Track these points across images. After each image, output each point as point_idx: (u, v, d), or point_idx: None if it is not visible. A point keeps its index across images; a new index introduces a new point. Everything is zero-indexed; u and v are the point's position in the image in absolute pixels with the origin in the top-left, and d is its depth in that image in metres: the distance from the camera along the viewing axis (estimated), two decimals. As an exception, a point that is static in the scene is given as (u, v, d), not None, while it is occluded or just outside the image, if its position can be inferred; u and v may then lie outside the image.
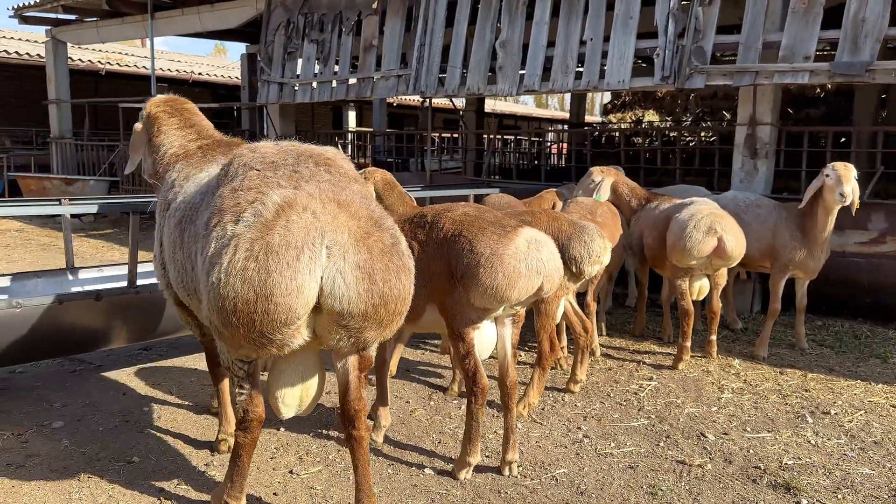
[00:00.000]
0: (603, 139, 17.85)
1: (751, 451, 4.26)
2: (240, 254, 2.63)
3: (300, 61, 11.13)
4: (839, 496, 3.72)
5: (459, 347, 3.71)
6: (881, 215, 6.73)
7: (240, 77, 20.34)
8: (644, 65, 7.71)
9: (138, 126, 4.24)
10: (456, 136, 18.52)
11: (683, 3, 7.53)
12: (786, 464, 4.08)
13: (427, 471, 3.92)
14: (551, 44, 8.47)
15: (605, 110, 21.24)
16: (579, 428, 4.58)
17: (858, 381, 5.51)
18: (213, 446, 4.12)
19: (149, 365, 5.58)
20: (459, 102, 27.82)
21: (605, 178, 6.25)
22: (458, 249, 3.61)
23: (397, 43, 9.99)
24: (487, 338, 3.82)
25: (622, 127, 19.26)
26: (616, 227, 6.11)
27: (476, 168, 13.91)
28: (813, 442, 4.40)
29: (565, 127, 20.94)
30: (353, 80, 10.46)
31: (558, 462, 4.07)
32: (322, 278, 2.68)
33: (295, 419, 3.49)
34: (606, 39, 8.03)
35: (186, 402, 4.84)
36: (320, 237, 2.67)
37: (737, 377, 5.60)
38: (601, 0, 8.06)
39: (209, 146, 3.91)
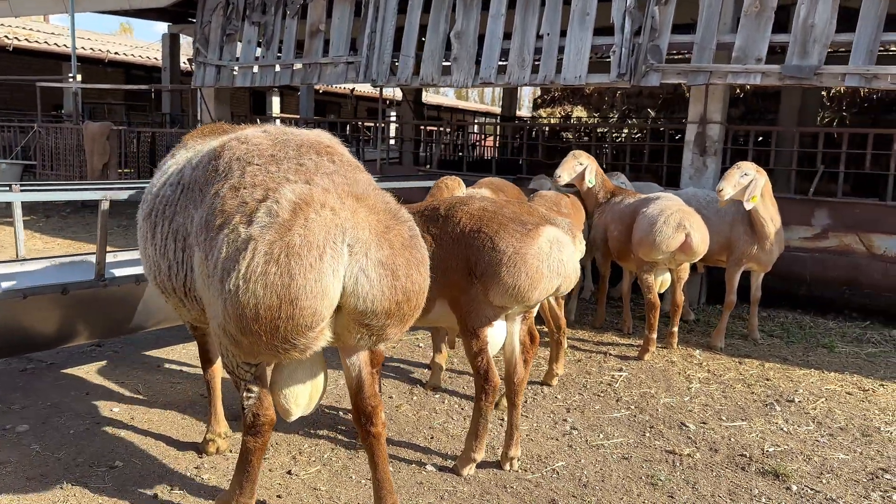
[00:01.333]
0: (534, 133, 18.09)
1: (731, 439, 4.41)
2: (258, 258, 2.45)
3: (240, 44, 10.72)
4: (823, 481, 3.89)
5: (472, 345, 3.65)
6: (824, 212, 7.10)
7: (159, 58, 19.53)
8: (606, 59, 7.84)
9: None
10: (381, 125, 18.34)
11: (640, 1, 7.67)
12: (767, 451, 4.24)
13: (429, 467, 3.86)
14: (508, 36, 8.48)
15: (535, 105, 21.54)
16: (565, 420, 4.62)
17: (812, 369, 5.80)
18: (199, 447, 3.92)
19: (107, 363, 5.25)
20: (388, 92, 27.57)
21: (591, 164, 6.35)
22: (478, 246, 3.54)
23: (346, 28, 9.77)
24: (498, 334, 3.78)
25: (589, 121, 19.60)
26: (580, 220, 6.20)
27: (415, 158, 13.85)
28: (785, 429, 4.60)
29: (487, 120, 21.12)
30: (298, 66, 10.16)
31: (554, 455, 4.09)
32: (344, 277, 2.56)
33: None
34: (563, 34, 8.10)
35: (158, 401, 4.59)
36: (341, 235, 2.53)
37: (700, 367, 5.78)
38: (557, -5, 8.12)
39: (189, 135, 3.71)
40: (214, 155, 2.96)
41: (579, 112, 20.30)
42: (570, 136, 18.22)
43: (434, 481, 3.71)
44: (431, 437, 4.26)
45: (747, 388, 5.33)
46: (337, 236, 2.51)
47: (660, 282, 5.98)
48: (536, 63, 8.26)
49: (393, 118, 22.90)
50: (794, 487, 3.80)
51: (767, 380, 5.54)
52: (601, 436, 4.40)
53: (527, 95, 27.73)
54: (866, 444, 4.38)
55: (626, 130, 18.31)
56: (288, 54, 10.25)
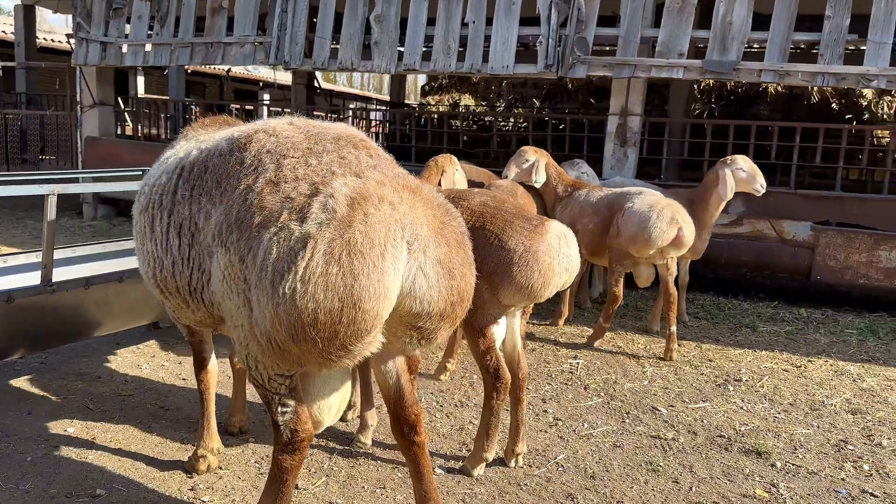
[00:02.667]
0: (422, 120, 18.06)
1: (703, 421, 4.60)
2: (318, 257, 2.24)
3: (131, 19, 9.86)
4: (799, 456, 4.15)
5: (480, 343, 3.56)
6: (739, 201, 7.56)
7: (14, 32, 17.60)
8: (533, 49, 7.86)
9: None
10: (250, 108, 17.63)
11: (566, -7, 7.78)
12: (740, 430, 4.47)
13: (437, 470, 3.73)
14: (432, 22, 8.34)
15: (423, 92, 21.48)
16: (545, 411, 4.64)
17: (744, 349, 6.17)
18: (185, 466, 3.57)
19: (36, 375, 4.67)
20: (267, 73, 26.45)
21: (540, 159, 6.30)
22: (484, 245, 3.44)
23: (253, 6, 9.22)
24: (499, 330, 3.70)
25: (499, 112, 19.63)
26: (533, 208, 6.21)
27: None
28: (745, 408, 4.86)
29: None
30: (199, 45, 9.49)
31: (551, 448, 4.09)
32: (403, 277, 2.39)
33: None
34: (490, 23, 8.08)
35: (115, 416, 4.14)
36: (401, 231, 2.35)
37: (646, 351, 6.00)
38: (481, -17, 8.08)
39: (192, 126, 3.40)
40: (237, 146, 2.68)
41: (467, 100, 20.46)
42: (459, 124, 18.37)
43: (448, 484, 3.59)
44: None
45: (696, 370, 5.59)
46: (397, 232, 2.34)
47: (646, 276, 5.99)
48: (462, 51, 8.19)
49: (266, 101, 22.13)
50: (778, 464, 4.02)
51: (710, 360, 5.83)
52: (585, 425, 4.45)
53: (411, 82, 27.55)
54: (818, 418, 4.72)
55: (512, 119, 18.69)
56: (187, 33, 9.55)
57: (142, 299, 4.47)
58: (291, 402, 2.69)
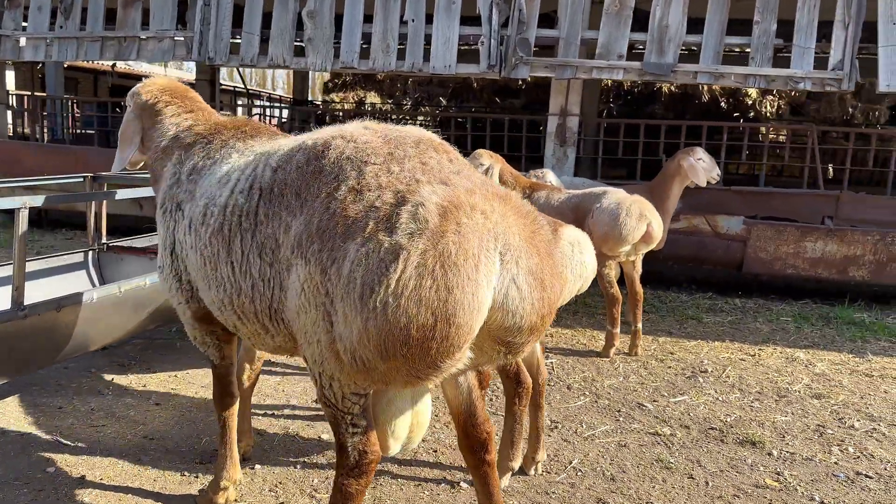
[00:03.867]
0: (327, 118, 17.69)
1: (689, 414, 4.74)
2: (410, 270, 2.10)
3: (29, 9, 9.01)
4: (788, 443, 4.35)
5: None
6: (677, 197, 7.87)
7: None
8: (475, 49, 7.81)
9: (128, 114, 3.51)
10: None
11: (506, -7, 7.81)
12: (727, 422, 4.63)
13: (463, 485, 3.62)
14: (369, 19, 8.14)
15: (326, 89, 21.00)
16: (540, 414, 4.62)
17: (698, 340, 6.43)
18: (200, 501, 3.27)
19: (-17, 409, 4.16)
20: (151, 68, 25.04)
21: (495, 164, 6.23)
22: None
23: None
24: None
25: (384, 107, 19.28)
26: None
27: None
28: (721, 399, 5.05)
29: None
30: (110, 40, 8.80)
31: (560, 452, 4.08)
32: (495, 289, 2.27)
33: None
34: (430, 21, 7.98)
35: (96, 450, 3.75)
36: (493, 241, 2.23)
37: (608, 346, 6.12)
38: (417, -20, 7.96)
39: (216, 131, 3.10)
40: (314, 155, 2.49)
41: (373, 98, 20.23)
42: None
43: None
44: (435, 451, 4.00)
45: (662, 364, 5.75)
46: (489, 243, 2.20)
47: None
48: (402, 49, 8.04)
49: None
50: (774, 452, 4.20)
51: (671, 353, 6.03)
52: (584, 426, 4.47)
53: (313, 78, 26.81)
54: (789, 405, 4.97)
55: (420, 118, 18.66)
56: (96, 25, 8.83)
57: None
58: (363, 423, 2.53)
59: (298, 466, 3.72)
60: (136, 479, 3.50)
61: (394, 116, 18.94)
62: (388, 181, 2.30)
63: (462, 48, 7.95)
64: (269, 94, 21.39)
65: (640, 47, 7.75)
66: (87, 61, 10.58)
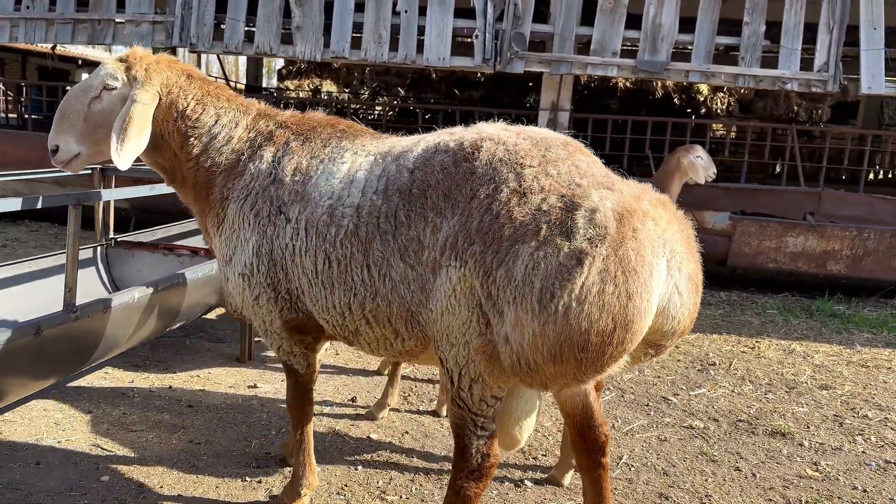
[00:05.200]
0: (281, 105, 17.33)
1: (713, 407, 4.87)
2: (594, 275, 2.13)
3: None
4: (813, 433, 4.52)
5: None
6: (666, 193, 8.05)
7: None
8: (468, 41, 7.76)
9: (144, 97, 2.92)
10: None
11: (501, -14, 7.79)
12: (751, 414, 4.78)
13: (527, 483, 3.64)
14: (360, 8, 7.99)
15: (281, 76, 20.52)
16: (574, 410, 4.67)
17: (698, 333, 6.61)
18: (273, 509, 3.18)
19: None
20: (87, 51, 23.95)
21: None
22: None
23: (149, -19, 8.30)
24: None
25: (340, 96, 18.91)
26: None
27: None
28: (736, 391, 5.21)
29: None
30: (83, 22, 8.37)
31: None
32: (660, 295, 2.32)
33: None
34: (423, 12, 7.89)
35: (145, 456, 3.58)
36: (662, 247, 2.28)
37: (615, 341, 6.23)
38: (410, -29, 7.86)
39: (309, 127, 2.98)
40: (463, 157, 2.48)
41: (329, 86, 19.89)
42: (322, 111, 17.82)
43: (550, 498, 3.51)
44: (486, 449, 4.00)
45: (671, 357, 5.89)
46: (659, 249, 2.25)
47: None
48: (394, 39, 7.94)
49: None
50: (805, 443, 4.36)
51: (677, 346, 6.17)
52: (619, 421, 4.54)
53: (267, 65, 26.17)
54: (800, 396, 5.17)
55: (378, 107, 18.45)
56: (67, 6, 8.38)
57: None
58: (491, 427, 2.56)
59: (359, 467, 3.65)
60: (198, 486, 3.37)
61: (351, 106, 18.69)
62: (550, 184, 2.31)
63: (456, 41, 7.90)
64: (225, 80, 20.74)
65: (633, 46, 7.85)
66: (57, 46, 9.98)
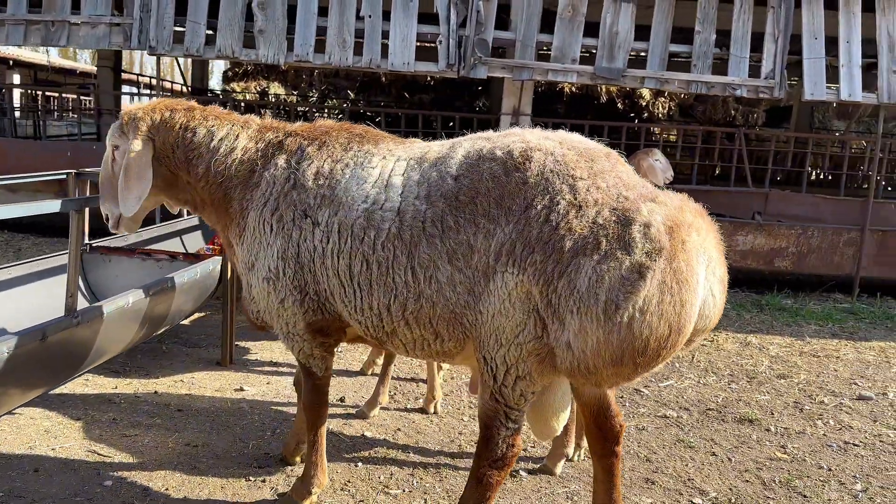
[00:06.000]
0: (228, 107, 17.12)
1: (683, 397, 5.13)
2: (654, 287, 2.31)
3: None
4: (777, 419, 4.82)
5: None
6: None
7: None
8: (432, 46, 7.84)
9: (135, 145, 3.12)
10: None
11: (463, -7, 7.95)
12: (719, 403, 5.05)
13: (521, 473, 3.79)
14: (324, 12, 8.02)
15: (226, 78, 20.20)
16: (554, 403, 4.85)
17: (658, 329, 6.89)
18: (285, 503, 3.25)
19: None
20: (17, 51, 23.11)
21: None
22: None
23: (106, -17, 8.15)
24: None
25: (289, 98, 18.68)
26: None
27: None
28: (702, 382, 5.49)
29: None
30: (36, 23, 8.15)
31: (591, 438, 4.32)
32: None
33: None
34: (386, 17, 7.99)
35: (144, 460, 3.58)
36: (704, 256, 2.47)
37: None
38: (373, -23, 7.95)
39: (322, 133, 3.10)
40: (513, 166, 2.59)
41: (277, 88, 19.71)
42: (269, 113, 17.67)
43: (545, 486, 3.67)
44: (474, 443, 4.12)
45: (637, 352, 6.14)
46: (701, 257, 2.44)
47: None
48: (358, 44, 8.00)
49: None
50: (771, 428, 4.65)
51: (641, 342, 6.44)
52: (598, 412, 4.73)
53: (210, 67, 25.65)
54: (761, 385, 5.48)
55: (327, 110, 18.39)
56: (19, 7, 8.15)
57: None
58: (521, 420, 2.73)
59: (359, 464, 3.74)
60: (203, 486, 3.40)
61: (300, 109, 18.59)
62: (602, 198, 2.47)
63: (420, 46, 8.02)
64: (150, 79, 20.32)
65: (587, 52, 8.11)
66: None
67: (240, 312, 5.00)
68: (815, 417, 4.87)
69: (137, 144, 3.11)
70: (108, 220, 3.35)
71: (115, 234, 4.98)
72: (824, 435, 4.59)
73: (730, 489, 3.78)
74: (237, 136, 3.18)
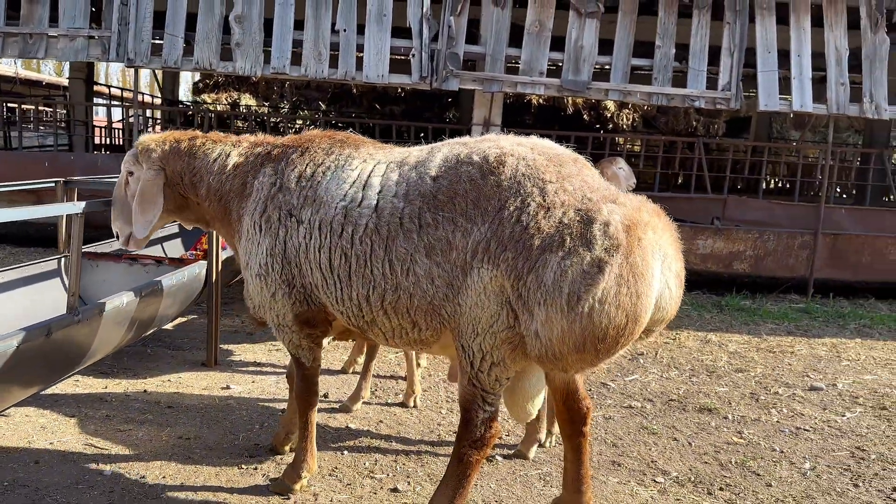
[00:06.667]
0: (198, 118, 17.22)
1: (647, 390, 5.44)
2: (611, 280, 2.55)
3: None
4: (735, 408, 5.15)
5: None
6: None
7: None
8: (405, 59, 8.13)
9: (148, 173, 3.59)
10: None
11: (435, 9, 8.25)
12: (681, 395, 5.37)
13: (497, 458, 4.04)
14: (300, 25, 8.26)
15: (197, 89, 20.26)
16: (526, 397, 5.12)
17: (625, 329, 7.22)
18: (276, 489, 3.45)
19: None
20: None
21: None
22: None
23: (83, -5, 8.29)
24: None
25: (259, 110, 18.78)
26: None
27: (87, 145, 12.22)
28: (665, 376, 5.81)
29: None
30: (13, 36, 8.26)
31: (561, 427, 4.60)
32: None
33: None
34: (361, 31, 8.26)
35: (141, 451, 3.77)
36: (659, 251, 2.72)
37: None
38: (349, -7, 8.22)
39: (304, 141, 3.40)
40: (489, 170, 2.84)
41: (248, 100, 19.83)
42: (241, 124, 17.78)
43: (520, 469, 3.93)
44: (453, 433, 4.38)
45: (604, 350, 6.46)
46: (657, 252, 2.69)
47: None
48: (333, 56, 8.25)
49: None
50: (729, 416, 4.97)
51: (608, 341, 6.75)
52: (568, 405, 5.02)
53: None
54: (720, 378, 5.82)
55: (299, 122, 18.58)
56: (-5, 19, 8.26)
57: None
58: (498, 403, 2.97)
59: (345, 452, 3.96)
60: (198, 474, 3.60)
61: (271, 120, 18.74)
62: (568, 199, 2.73)
63: (393, 59, 8.29)
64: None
65: (555, 65, 8.46)
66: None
67: (224, 315, 5.21)
68: (769, 406, 5.21)
69: (150, 173, 3.58)
70: (118, 237, 3.73)
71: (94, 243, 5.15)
72: (778, 422, 4.93)
73: (690, 469, 4.08)
74: (228, 154, 3.54)
